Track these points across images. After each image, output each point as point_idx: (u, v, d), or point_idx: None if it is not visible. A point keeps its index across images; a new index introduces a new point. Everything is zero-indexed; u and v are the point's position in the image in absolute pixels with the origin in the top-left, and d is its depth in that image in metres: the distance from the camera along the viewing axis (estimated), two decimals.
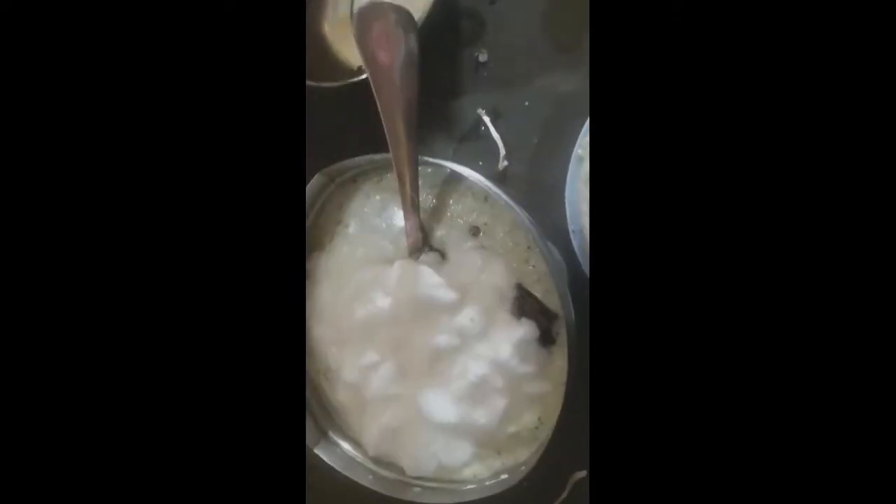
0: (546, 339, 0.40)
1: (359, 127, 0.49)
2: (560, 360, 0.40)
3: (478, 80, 0.47)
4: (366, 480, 0.44)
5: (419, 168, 0.41)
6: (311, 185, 0.44)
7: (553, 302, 0.40)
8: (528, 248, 0.40)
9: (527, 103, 0.45)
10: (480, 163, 0.46)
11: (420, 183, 0.41)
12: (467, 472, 0.43)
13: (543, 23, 0.45)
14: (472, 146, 0.47)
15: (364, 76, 0.44)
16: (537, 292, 0.40)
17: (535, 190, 0.44)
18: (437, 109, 0.48)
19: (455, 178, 0.42)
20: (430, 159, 0.41)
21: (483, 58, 0.47)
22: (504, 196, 0.38)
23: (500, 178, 0.45)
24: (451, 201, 0.42)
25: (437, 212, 0.43)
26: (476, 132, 0.46)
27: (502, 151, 0.45)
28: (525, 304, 0.40)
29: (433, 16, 0.43)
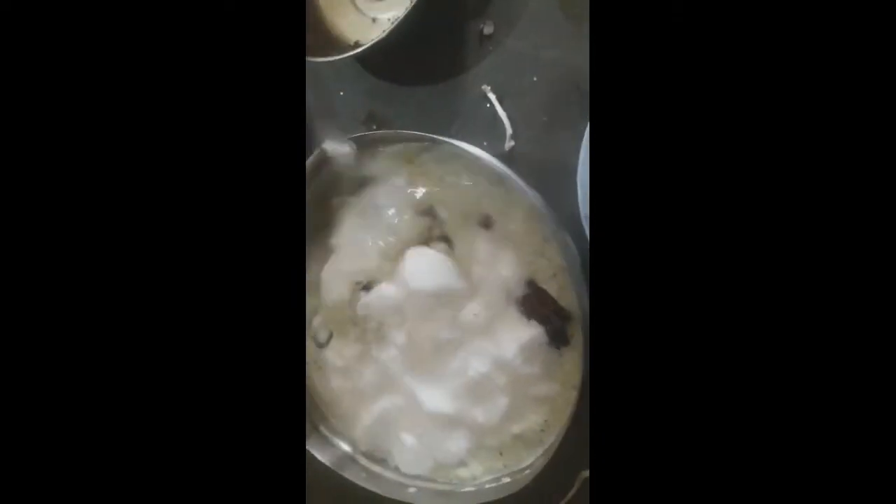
0: (559, 339, 0.37)
1: (354, 102, 0.47)
2: (571, 361, 0.38)
3: (482, 55, 0.44)
4: (359, 479, 0.42)
5: (427, 145, 0.38)
6: (312, 160, 0.41)
7: (569, 299, 0.37)
8: (545, 239, 0.38)
9: (535, 78, 0.42)
10: (485, 143, 0.43)
11: (428, 161, 0.39)
12: (465, 473, 0.41)
13: None
14: (477, 125, 0.44)
15: (360, 49, 0.41)
16: (552, 289, 0.38)
17: (544, 171, 0.41)
18: (439, 86, 0.45)
19: (467, 158, 0.39)
20: (441, 138, 0.38)
21: (488, 30, 0.44)
22: (521, 182, 0.35)
23: (506, 159, 0.43)
24: (463, 182, 0.40)
25: (446, 194, 0.40)
26: (480, 110, 0.44)
27: (509, 130, 0.42)
28: (536, 303, 0.37)
29: None
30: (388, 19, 0.45)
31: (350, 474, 0.42)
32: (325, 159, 0.41)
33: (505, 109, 0.43)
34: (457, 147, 0.37)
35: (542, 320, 0.37)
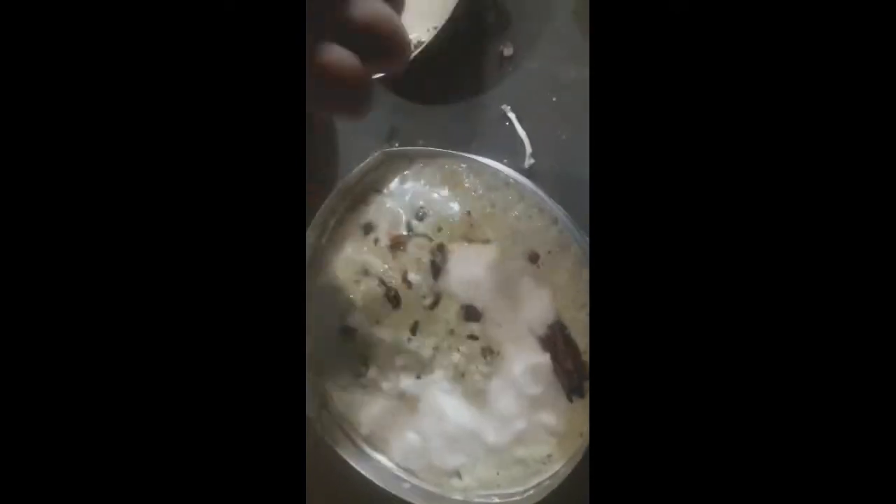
0: (575, 391, 0.38)
1: (377, 120, 0.48)
2: (581, 410, 0.38)
3: (502, 75, 0.45)
4: (356, 462, 0.43)
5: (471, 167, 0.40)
6: (370, 160, 0.42)
7: None
8: (589, 290, 0.37)
9: (554, 98, 0.43)
10: (505, 160, 0.44)
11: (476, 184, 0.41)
12: (457, 483, 0.42)
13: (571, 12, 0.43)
14: (497, 143, 0.45)
15: None
16: (583, 343, 0.38)
17: (564, 189, 0.42)
18: (460, 105, 0.46)
19: (519, 189, 0.40)
20: (473, 156, 0.39)
21: (508, 52, 0.45)
22: (573, 227, 0.36)
23: (525, 177, 0.44)
24: (514, 213, 0.40)
25: (494, 218, 0.41)
26: (500, 129, 0.45)
27: (528, 149, 0.43)
28: (560, 355, 0.38)
29: (456, 9, 0.42)
30: (412, 41, 0.46)
31: (347, 454, 0.43)
32: (367, 171, 0.43)
33: (524, 128, 0.44)
34: (497, 169, 0.39)
35: (562, 375, 0.38)
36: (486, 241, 0.40)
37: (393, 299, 0.42)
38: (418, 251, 0.42)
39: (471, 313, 0.40)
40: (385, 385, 0.43)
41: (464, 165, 0.41)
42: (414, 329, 0.42)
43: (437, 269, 0.41)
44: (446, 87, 0.46)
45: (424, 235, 0.41)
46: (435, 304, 0.41)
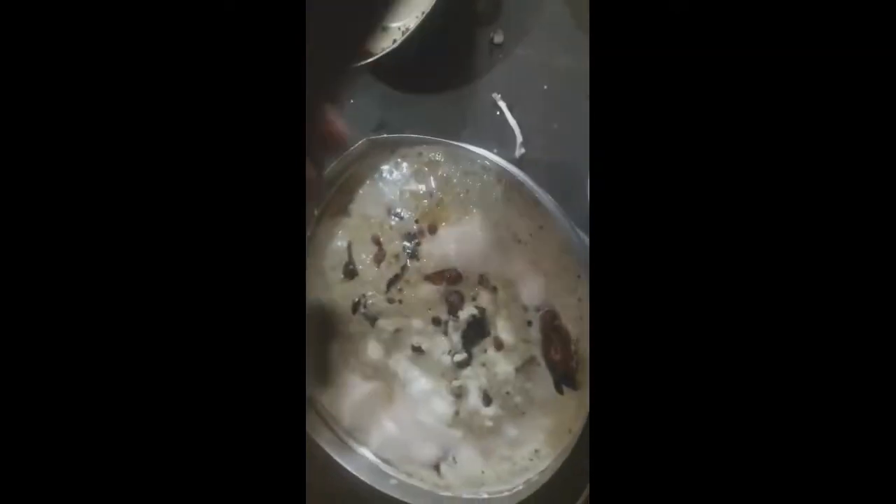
0: (565, 381, 0.37)
1: (366, 110, 0.48)
2: (573, 405, 0.37)
3: (493, 63, 0.44)
4: (342, 458, 0.42)
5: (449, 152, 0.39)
6: (353, 149, 0.41)
7: (587, 347, 0.36)
8: (578, 277, 0.36)
9: (546, 87, 0.43)
10: (495, 150, 0.43)
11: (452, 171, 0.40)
12: (437, 480, 0.41)
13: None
14: (487, 132, 0.44)
15: (372, 58, 0.42)
16: (574, 331, 0.36)
17: (554, 179, 0.41)
18: (450, 94, 0.45)
19: (497, 172, 0.39)
20: (459, 143, 0.38)
21: (499, 39, 0.44)
22: (553, 207, 0.35)
23: (516, 166, 0.43)
24: (493, 196, 0.39)
25: (471, 202, 0.39)
26: (491, 118, 0.44)
27: (519, 138, 0.43)
28: (550, 348, 0.36)
29: None
30: (399, 28, 0.45)
31: (334, 451, 0.42)
32: (352, 160, 0.42)
33: (515, 117, 0.43)
34: (476, 154, 0.38)
35: (552, 366, 0.37)
36: (467, 216, 0.39)
37: (348, 272, 0.42)
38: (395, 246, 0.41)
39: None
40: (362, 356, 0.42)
41: (440, 153, 0.40)
42: (355, 308, 0.42)
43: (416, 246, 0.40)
44: (436, 75, 0.46)
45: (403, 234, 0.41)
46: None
